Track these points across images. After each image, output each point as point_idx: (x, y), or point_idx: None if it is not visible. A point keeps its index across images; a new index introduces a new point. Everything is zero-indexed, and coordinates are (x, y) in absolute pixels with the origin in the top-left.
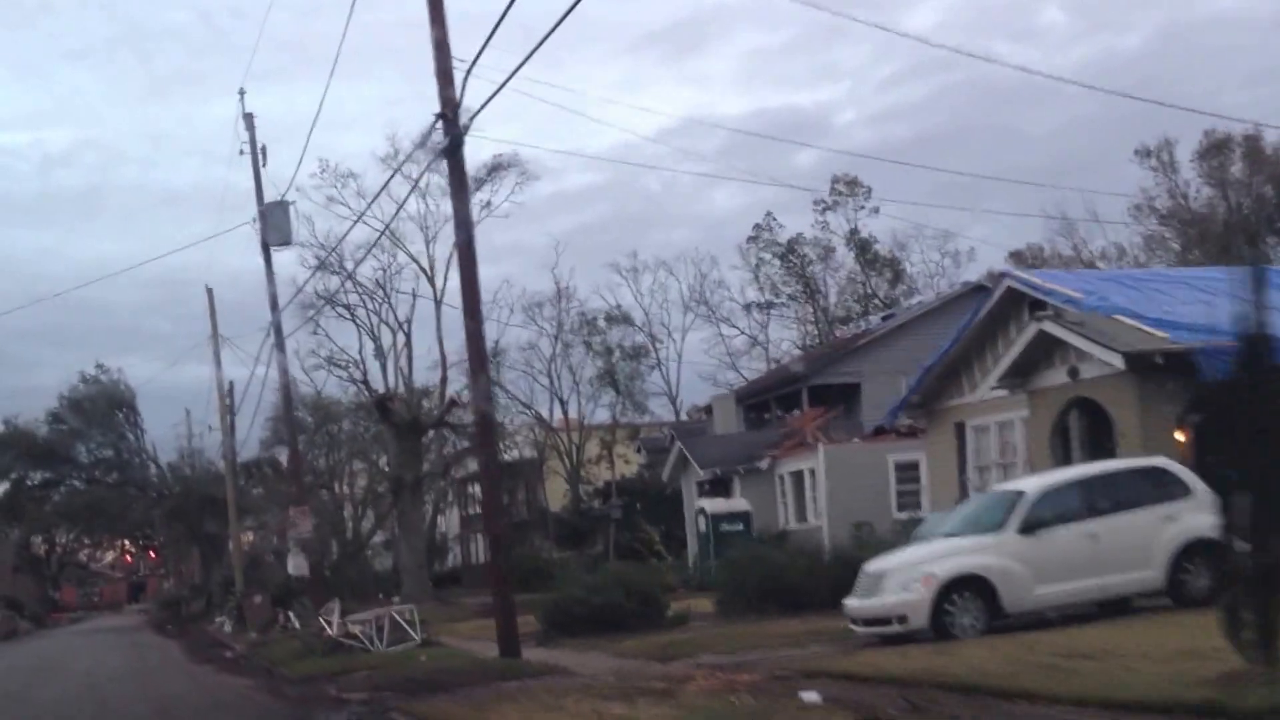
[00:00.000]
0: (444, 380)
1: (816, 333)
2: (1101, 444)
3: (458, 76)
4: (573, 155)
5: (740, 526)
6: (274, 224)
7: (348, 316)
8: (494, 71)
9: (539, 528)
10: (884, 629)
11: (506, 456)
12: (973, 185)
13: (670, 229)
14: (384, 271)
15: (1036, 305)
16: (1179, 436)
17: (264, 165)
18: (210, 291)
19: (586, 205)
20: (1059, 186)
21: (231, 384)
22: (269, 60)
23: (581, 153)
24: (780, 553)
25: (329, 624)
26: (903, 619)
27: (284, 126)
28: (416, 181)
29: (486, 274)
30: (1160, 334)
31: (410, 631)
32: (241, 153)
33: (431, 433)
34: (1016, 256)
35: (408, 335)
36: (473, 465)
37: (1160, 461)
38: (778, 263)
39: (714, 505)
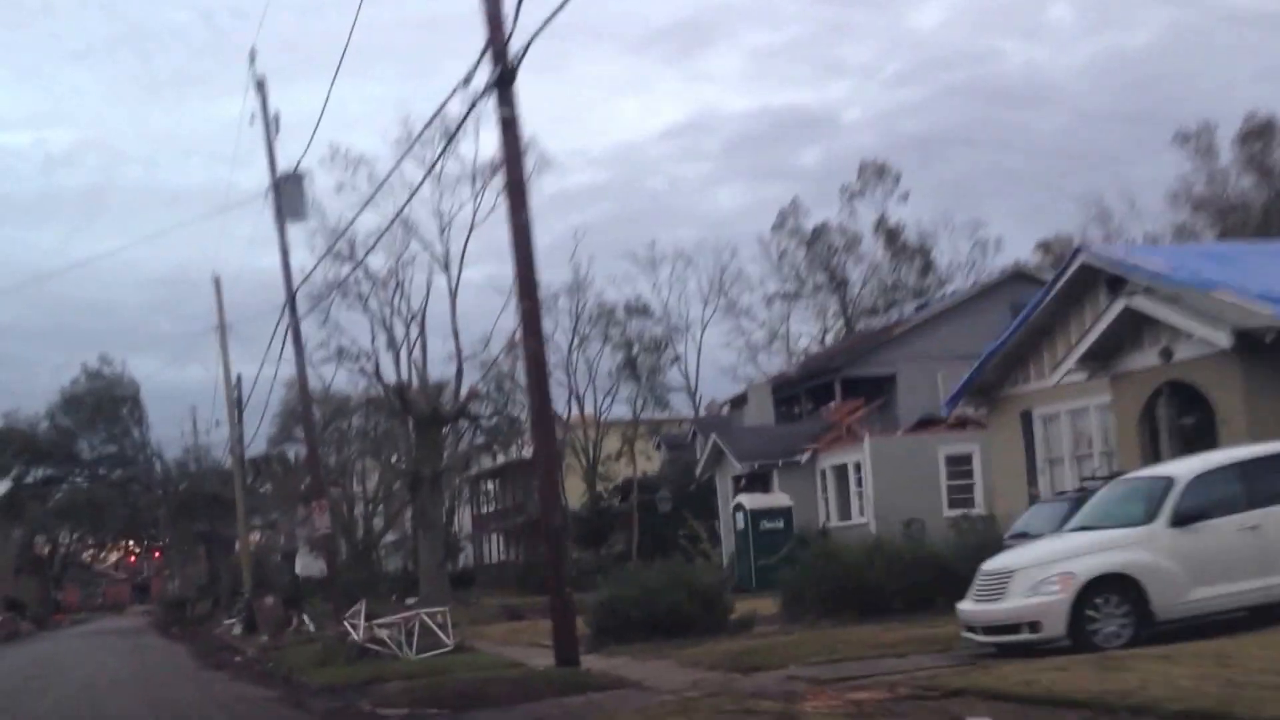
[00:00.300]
0: (459, 373)
1: (842, 325)
2: (1196, 432)
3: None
4: (580, 153)
5: (781, 524)
6: (288, 197)
7: (360, 307)
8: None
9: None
10: (1010, 637)
11: (523, 453)
12: (987, 180)
13: (675, 227)
14: (396, 260)
15: (1114, 284)
16: None
17: (277, 134)
18: (218, 280)
19: (589, 204)
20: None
21: (239, 376)
22: (270, 60)
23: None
24: (854, 550)
25: (354, 628)
26: (1035, 626)
27: (287, 126)
28: (453, 134)
29: (495, 269)
30: (1265, 310)
31: (442, 636)
32: (253, 121)
33: (448, 426)
34: (1045, 247)
35: (421, 326)
36: (484, 462)
37: None
38: (803, 250)
39: (753, 501)
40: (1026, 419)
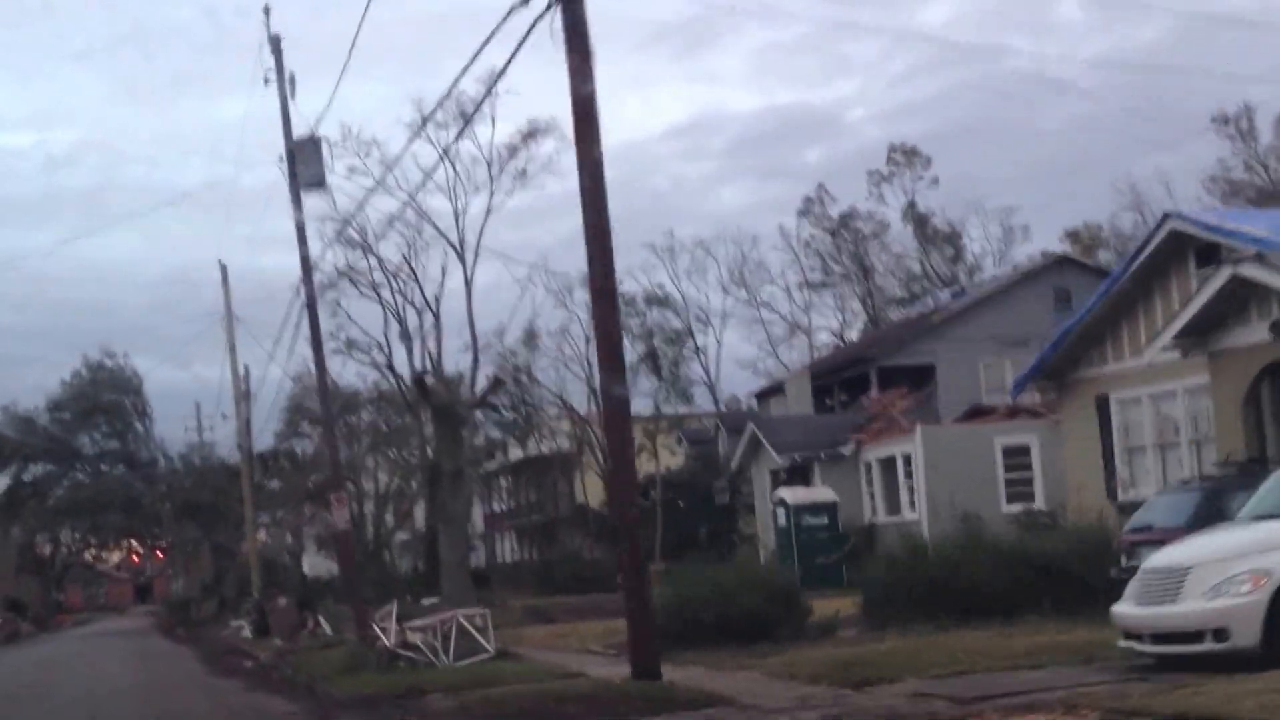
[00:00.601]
0: (475, 364)
1: (869, 315)
2: None
3: None
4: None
5: (825, 519)
6: (306, 163)
7: (373, 296)
8: None
9: (578, 525)
10: (1189, 647)
11: (541, 449)
12: (996, 175)
13: (679, 227)
14: (410, 248)
15: (1204, 254)
16: None
17: (292, 97)
18: (224, 267)
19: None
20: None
21: (247, 367)
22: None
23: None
24: (953, 546)
25: (384, 631)
26: (1221, 634)
27: (297, 118)
28: (514, 53)
29: (516, 246)
30: None
31: (481, 641)
32: (267, 81)
33: (469, 416)
34: (1073, 236)
35: (436, 315)
36: (496, 458)
37: None
38: (829, 238)
39: (795, 495)
40: (1103, 404)
